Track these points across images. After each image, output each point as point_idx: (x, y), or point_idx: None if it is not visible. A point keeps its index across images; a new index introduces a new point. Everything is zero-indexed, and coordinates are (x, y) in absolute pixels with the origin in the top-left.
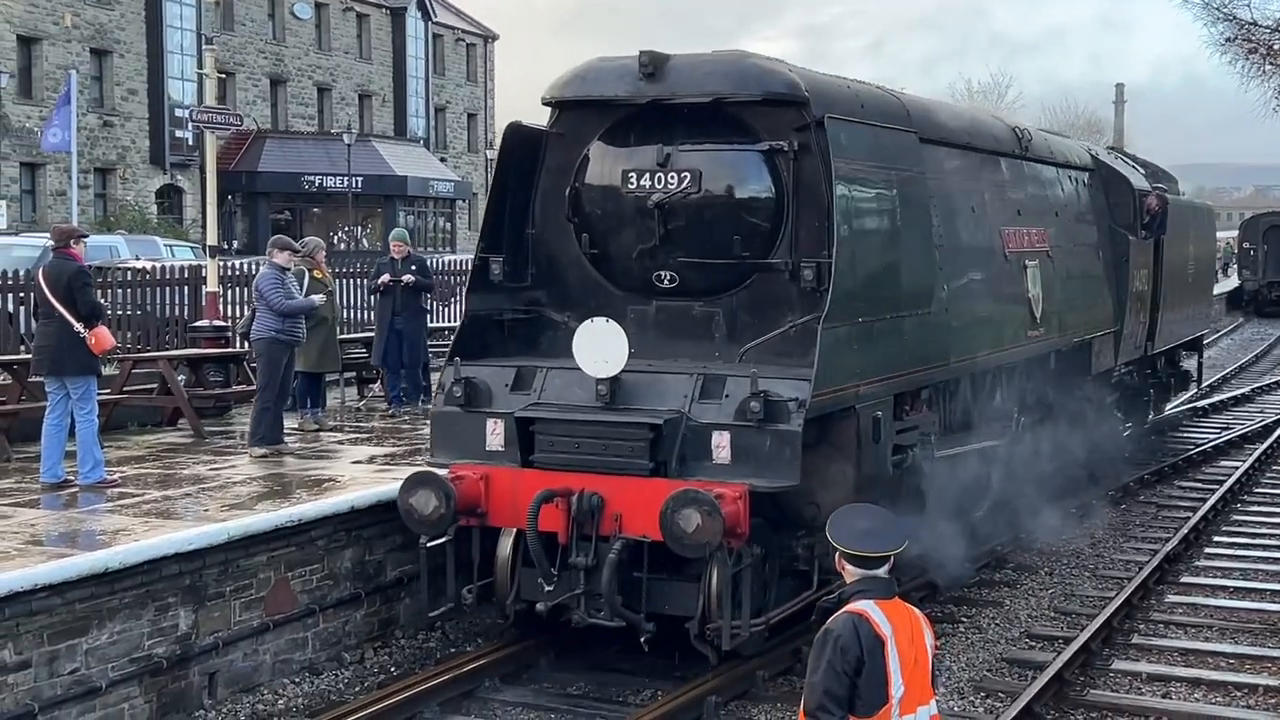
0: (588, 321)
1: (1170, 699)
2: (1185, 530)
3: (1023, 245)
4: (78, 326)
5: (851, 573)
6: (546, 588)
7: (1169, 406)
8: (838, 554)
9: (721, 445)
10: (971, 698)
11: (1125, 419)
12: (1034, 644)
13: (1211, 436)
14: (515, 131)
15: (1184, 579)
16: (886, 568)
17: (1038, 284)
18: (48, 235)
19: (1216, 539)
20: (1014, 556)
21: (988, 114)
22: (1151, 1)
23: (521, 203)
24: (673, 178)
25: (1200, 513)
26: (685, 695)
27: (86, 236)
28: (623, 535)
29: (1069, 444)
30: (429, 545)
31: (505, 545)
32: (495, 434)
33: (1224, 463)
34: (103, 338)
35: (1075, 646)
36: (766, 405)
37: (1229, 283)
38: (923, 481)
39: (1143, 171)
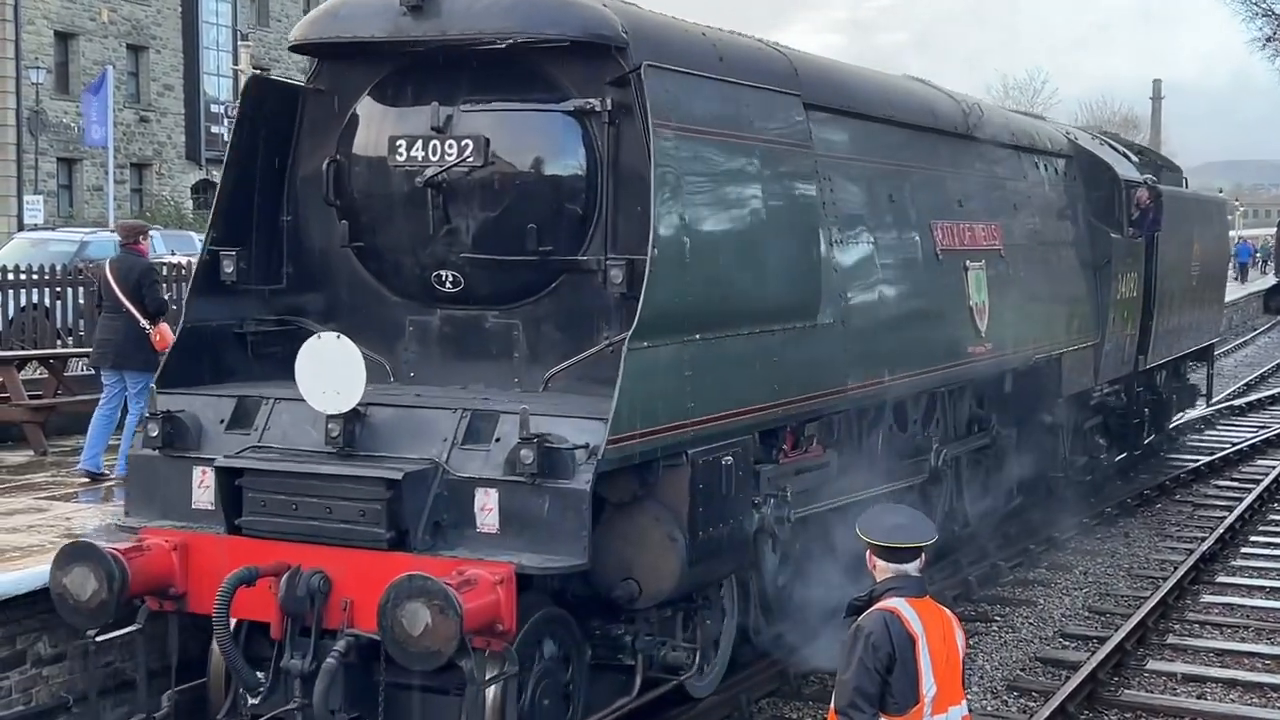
0: (313, 338)
1: (1205, 700)
2: (1221, 530)
3: (963, 243)
4: (144, 323)
5: (884, 569)
6: (251, 700)
7: (1172, 425)
8: (869, 551)
9: (487, 507)
10: (1005, 697)
11: (1110, 446)
12: (1068, 643)
13: (1248, 435)
14: (260, 87)
15: (1220, 579)
16: (918, 564)
17: (983, 289)
18: (82, 230)
19: (1253, 539)
20: (1047, 556)
21: (925, 84)
22: None
23: (274, 181)
24: (451, 146)
25: (1236, 512)
26: None
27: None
28: (352, 630)
29: (1022, 482)
30: (99, 639)
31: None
32: (204, 487)
33: (1261, 462)
34: (166, 334)
35: (1109, 646)
36: (543, 454)
37: (1265, 280)
38: (780, 549)
39: (1135, 159)
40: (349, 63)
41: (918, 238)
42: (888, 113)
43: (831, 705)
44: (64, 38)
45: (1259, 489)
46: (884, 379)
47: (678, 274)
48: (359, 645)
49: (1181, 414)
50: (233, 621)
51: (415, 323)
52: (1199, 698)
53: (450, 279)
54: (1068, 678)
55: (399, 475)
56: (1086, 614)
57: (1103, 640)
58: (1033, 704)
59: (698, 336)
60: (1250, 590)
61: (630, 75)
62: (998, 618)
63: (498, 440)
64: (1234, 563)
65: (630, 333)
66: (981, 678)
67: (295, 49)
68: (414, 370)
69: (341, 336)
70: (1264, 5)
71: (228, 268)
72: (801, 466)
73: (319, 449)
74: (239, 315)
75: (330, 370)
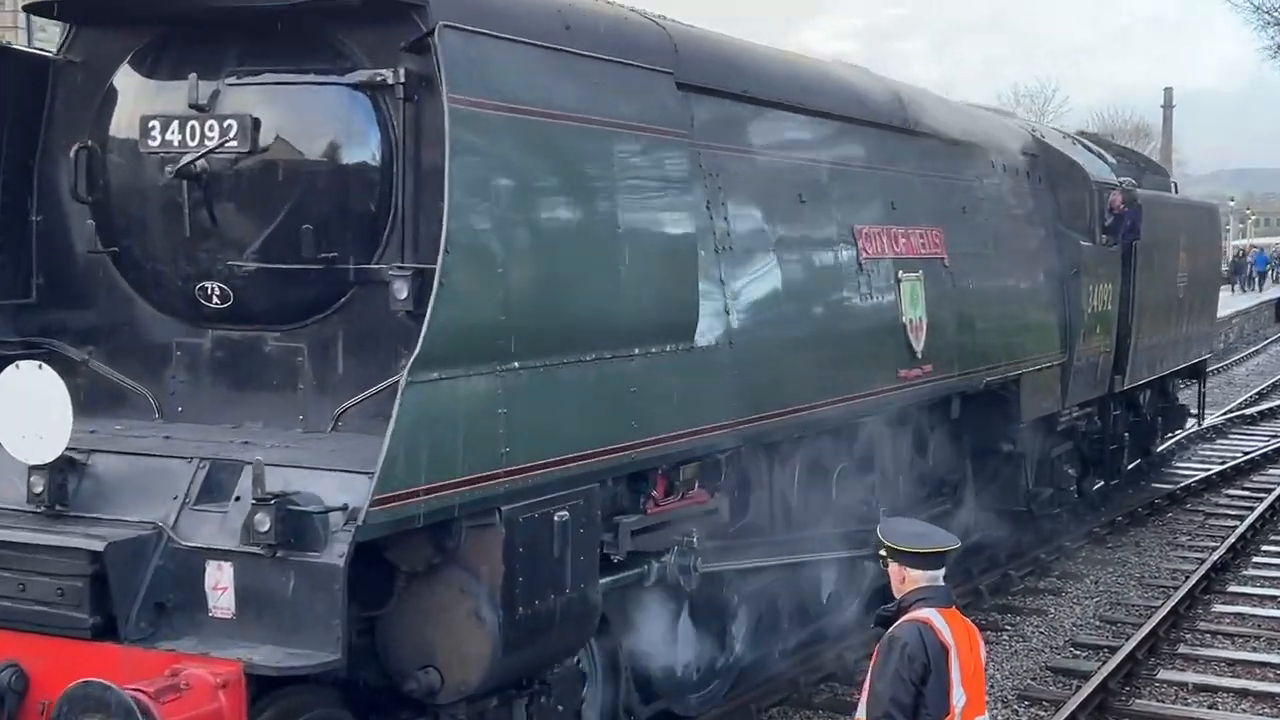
0: (10, 368)
1: (1216, 710)
2: (1233, 539)
3: (895, 250)
4: None
5: (913, 578)
6: None
7: (1160, 448)
8: (896, 562)
9: (220, 585)
10: (1015, 706)
11: (1084, 475)
12: (1079, 653)
13: (1260, 445)
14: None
15: (1231, 588)
16: (944, 572)
17: (920, 304)
18: None
19: (1265, 548)
20: (1058, 565)
21: (855, 68)
22: (1218, 5)
23: (21, 173)
24: (213, 128)
25: (1248, 521)
26: None
27: None
28: None
29: (966, 524)
30: None
31: None
32: None
33: (1272, 471)
34: None
35: (1120, 656)
36: (285, 519)
37: (1277, 290)
38: (682, 611)
39: (1113, 161)
40: (107, 28)
41: (836, 244)
42: (800, 99)
43: (861, 713)
44: None
45: (1270, 498)
46: (785, 410)
47: (485, 287)
48: None
49: (1171, 435)
50: None
51: (183, 346)
52: (1210, 707)
53: (217, 292)
54: (1078, 687)
55: (100, 546)
56: (1097, 623)
57: (1114, 650)
58: (1043, 713)
59: (516, 365)
60: (1262, 600)
61: (428, 39)
62: (1008, 627)
63: (237, 499)
64: (1245, 572)
65: (413, 359)
66: (992, 687)
67: (30, 9)
68: (182, 404)
69: (44, 366)
70: (1276, 15)
71: None
72: (681, 515)
73: (22, 508)
74: None
75: (31, 409)
